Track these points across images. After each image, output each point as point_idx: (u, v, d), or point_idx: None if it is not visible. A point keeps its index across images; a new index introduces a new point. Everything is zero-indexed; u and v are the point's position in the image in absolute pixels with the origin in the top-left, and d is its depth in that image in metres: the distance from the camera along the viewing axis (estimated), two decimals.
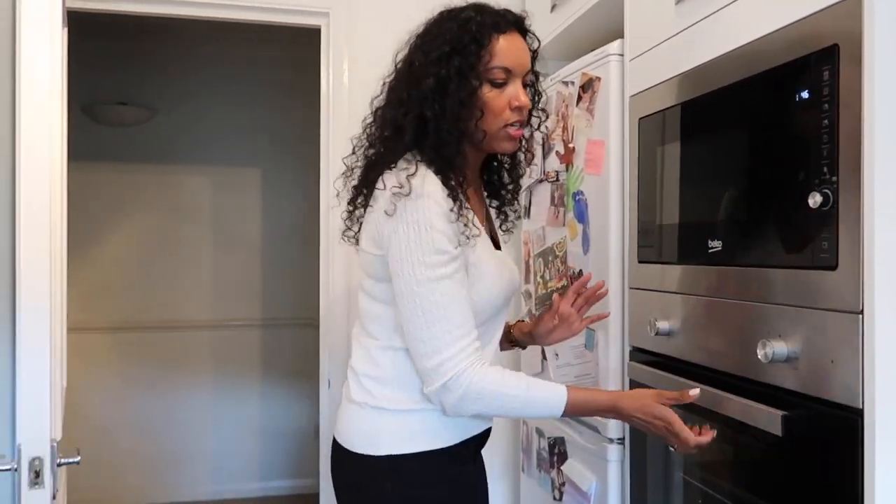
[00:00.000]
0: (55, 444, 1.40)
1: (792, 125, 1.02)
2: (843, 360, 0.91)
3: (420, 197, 1.10)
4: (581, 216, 1.66)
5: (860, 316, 0.88)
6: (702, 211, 1.25)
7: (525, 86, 1.20)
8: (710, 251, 1.20)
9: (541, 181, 1.90)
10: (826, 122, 0.94)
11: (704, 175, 1.25)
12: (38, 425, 1.33)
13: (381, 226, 1.14)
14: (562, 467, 1.72)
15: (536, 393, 1.16)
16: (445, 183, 1.13)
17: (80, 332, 3.36)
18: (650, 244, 1.41)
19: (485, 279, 1.18)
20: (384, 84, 1.25)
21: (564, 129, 1.76)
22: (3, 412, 1.39)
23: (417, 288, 1.10)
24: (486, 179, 1.36)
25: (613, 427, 1.51)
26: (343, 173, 1.27)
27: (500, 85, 1.17)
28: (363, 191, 1.21)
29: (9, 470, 1.35)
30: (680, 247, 1.30)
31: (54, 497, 1.40)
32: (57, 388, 1.49)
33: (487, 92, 1.16)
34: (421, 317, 1.11)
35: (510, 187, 1.36)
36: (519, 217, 1.42)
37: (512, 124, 1.18)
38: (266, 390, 3.83)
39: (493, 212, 1.38)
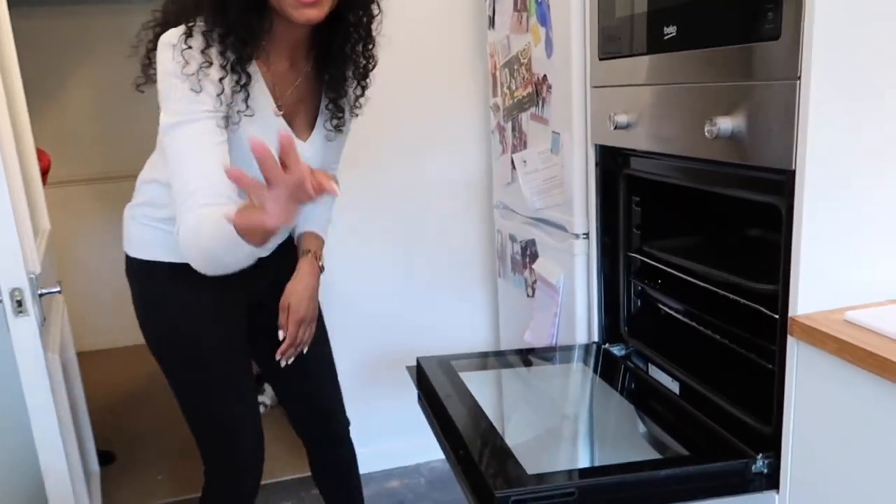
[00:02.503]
0: (34, 277, 1.49)
1: None
2: (781, 127, 0.96)
3: (163, 47, 1.15)
4: (543, 19, 1.64)
5: (798, 82, 0.93)
6: None
7: None
8: (665, 38, 1.21)
9: None
10: None
11: None
12: (12, 260, 1.42)
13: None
14: (533, 266, 1.84)
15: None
16: (209, 36, 1.14)
17: (58, 186, 3.36)
18: (610, 40, 1.41)
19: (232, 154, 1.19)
20: None
21: None
22: None
23: (161, 136, 1.16)
24: (327, 69, 1.33)
25: (578, 223, 1.60)
26: (146, 24, 1.27)
27: None
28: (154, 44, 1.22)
29: None
30: (638, 38, 1.31)
31: (42, 325, 1.50)
32: (26, 227, 1.55)
33: None
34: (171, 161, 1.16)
35: (348, 83, 1.34)
36: (355, 115, 1.40)
37: None
38: None
39: (323, 100, 1.36)
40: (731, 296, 1.22)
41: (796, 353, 1.00)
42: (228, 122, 1.19)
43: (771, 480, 1.08)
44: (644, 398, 1.42)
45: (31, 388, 1.48)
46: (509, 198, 2.00)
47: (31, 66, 2.77)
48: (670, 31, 1.19)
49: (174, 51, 1.14)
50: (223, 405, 1.39)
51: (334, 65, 1.31)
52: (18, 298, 1.46)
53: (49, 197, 2.31)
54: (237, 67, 1.16)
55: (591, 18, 1.47)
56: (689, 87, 1.16)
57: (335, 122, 1.36)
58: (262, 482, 1.47)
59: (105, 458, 2.53)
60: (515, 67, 1.83)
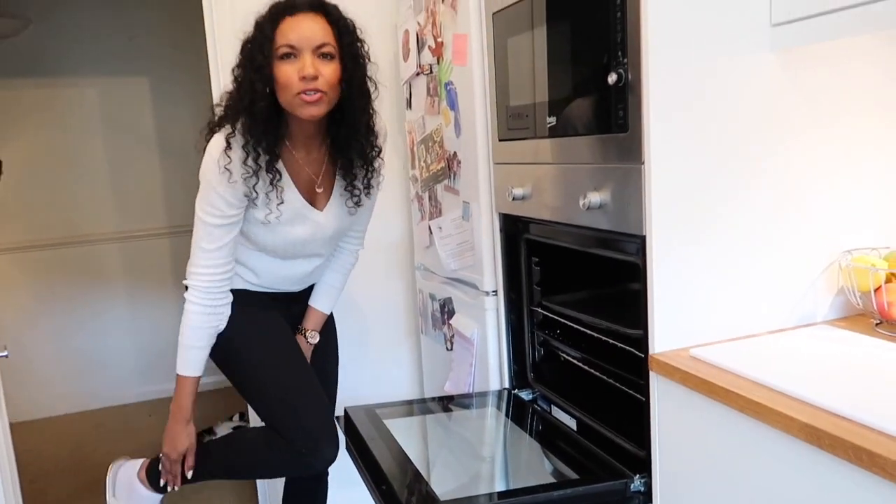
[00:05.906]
0: None
1: (597, 18, 1.25)
2: (634, 201, 1.20)
3: (209, 158, 1.43)
4: (452, 104, 1.88)
5: (642, 166, 1.16)
6: (542, 93, 1.49)
7: (326, 56, 1.39)
8: (548, 126, 1.45)
9: (417, 74, 2.09)
10: (619, 14, 1.18)
11: (542, 62, 1.48)
12: None
13: None
14: (450, 322, 2.02)
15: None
16: (247, 148, 1.40)
17: None
18: (507, 124, 1.65)
19: (265, 237, 1.54)
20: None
21: (434, 24, 1.94)
22: None
23: (196, 222, 1.50)
24: (336, 154, 1.56)
25: (488, 281, 1.81)
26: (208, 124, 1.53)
27: (286, 57, 1.37)
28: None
29: None
30: (528, 125, 1.55)
31: None
32: None
33: (278, 66, 1.38)
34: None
35: (358, 167, 1.57)
36: (368, 193, 1.63)
37: (305, 92, 1.37)
38: (180, 294, 3.97)
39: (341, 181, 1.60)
40: (611, 341, 1.44)
41: (656, 385, 1.21)
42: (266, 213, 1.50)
43: (646, 497, 1.27)
44: (548, 436, 1.61)
45: None
46: (428, 260, 2.20)
47: None
48: (551, 120, 1.44)
49: (218, 165, 1.41)
50: (285, 391, 1.59)
51: (340, 151, 1.55)
52: None
53: None
54: (270, 168, 1.43)
55: (491, 106, 1.71)
56: (567, 166, 1.40)
57: (354, 199, 1.60)
58: None
59: None
60: (430, 144, 2.06)
